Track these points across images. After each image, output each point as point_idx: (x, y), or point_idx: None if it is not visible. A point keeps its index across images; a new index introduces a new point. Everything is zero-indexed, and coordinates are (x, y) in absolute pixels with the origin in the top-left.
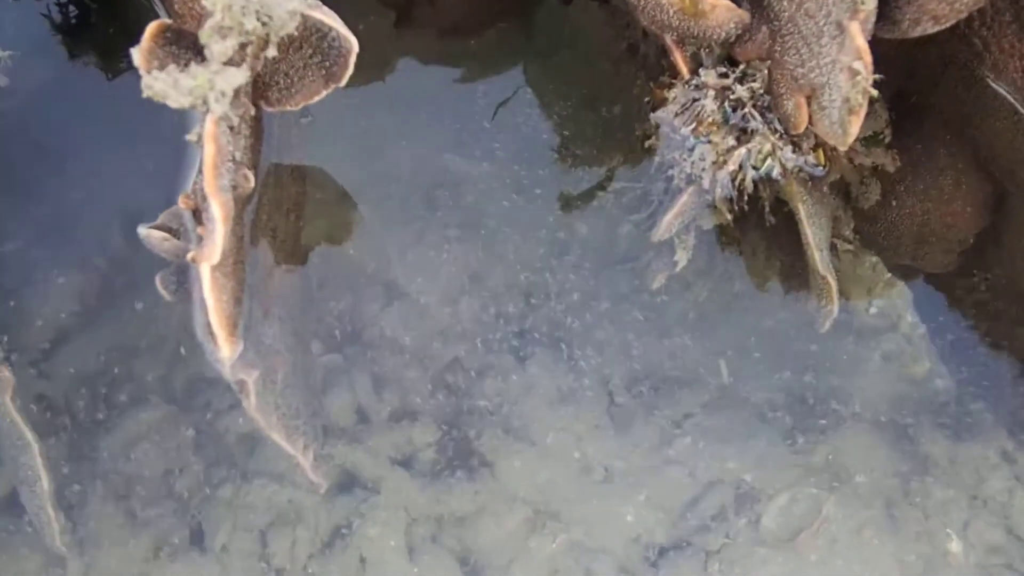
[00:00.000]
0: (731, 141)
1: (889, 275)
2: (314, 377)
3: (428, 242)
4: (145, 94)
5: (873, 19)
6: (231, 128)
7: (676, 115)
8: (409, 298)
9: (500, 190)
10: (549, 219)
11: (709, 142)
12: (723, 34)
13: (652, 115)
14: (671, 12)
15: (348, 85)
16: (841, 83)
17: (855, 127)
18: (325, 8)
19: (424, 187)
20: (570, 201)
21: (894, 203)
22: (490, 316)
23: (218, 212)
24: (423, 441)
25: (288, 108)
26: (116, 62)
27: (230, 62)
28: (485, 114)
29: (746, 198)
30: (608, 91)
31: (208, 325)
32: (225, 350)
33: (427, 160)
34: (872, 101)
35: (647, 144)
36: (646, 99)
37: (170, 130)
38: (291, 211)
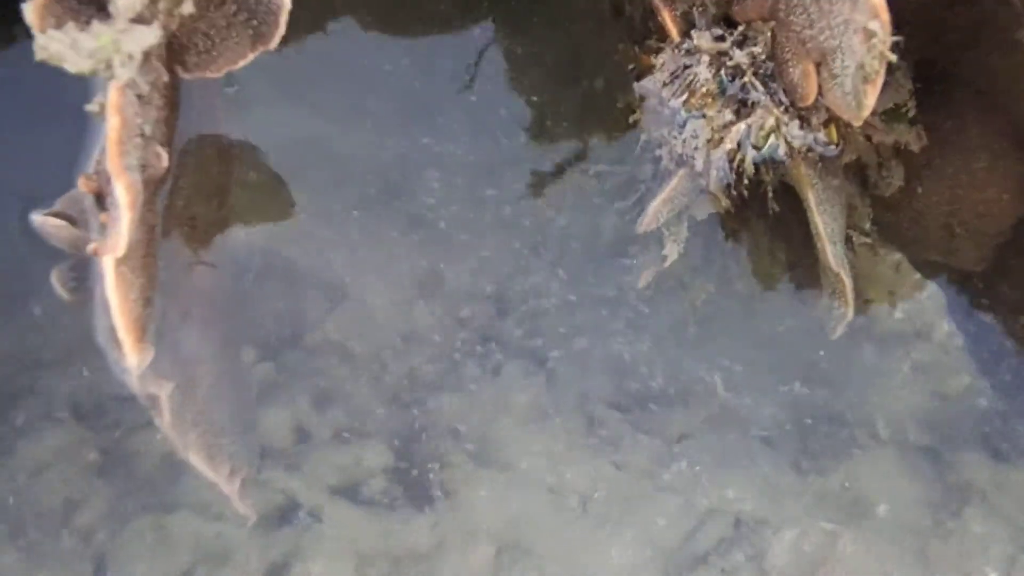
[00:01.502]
0: (728, 115)
1: (916, 274)
2: (246, 389)
3: (381, 235)
4: (39, 57)
5: None
6: (140, 97)
7: (664, 85)
8: (358, 300)
9: (465, 175)
10: (522, 209)
11: (703, 116)
12: None
13: (636, 85)
14: None
15: (290, 52)
16: (855, 46)
17: (871, 98)
18: None
19: (376, 171)
20: (546, 188)
21: (919, 189)
22: (453, 321)
23: (123, 196)
24: (374, 465)
25: (209, 74)
26: (12, 23)
27: (139, 19)
28: (448, 86)
29: (746, 182)
30: (589, 59)
31: (112, 329)
32: (132, 358)
33: (379, 140)
34: (891, 68)
35: (632, 119)
36: (630, 67)
37: (75, 101)
38: (214, 197)
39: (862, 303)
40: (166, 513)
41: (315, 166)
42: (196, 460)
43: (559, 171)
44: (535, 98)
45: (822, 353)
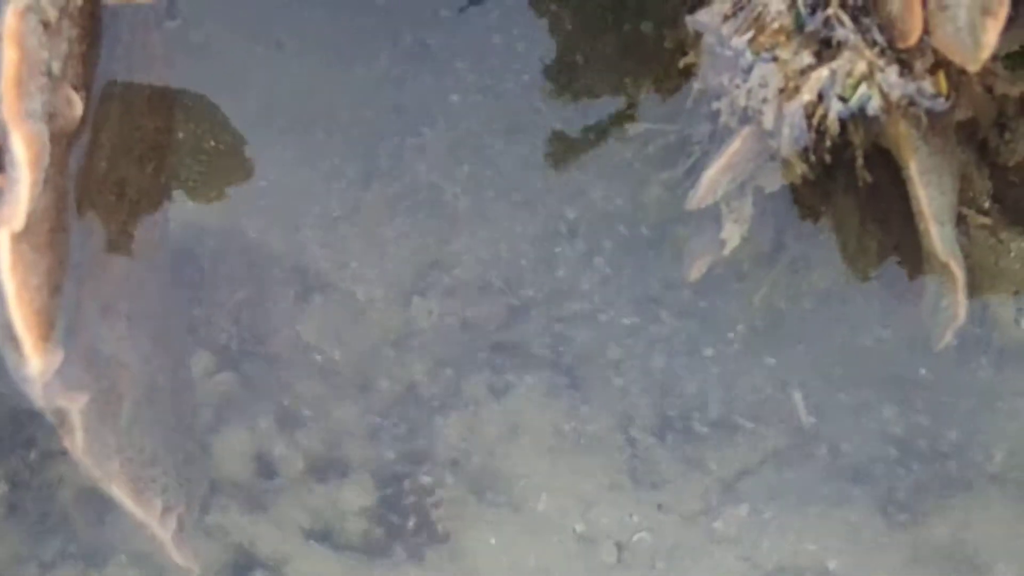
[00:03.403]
0: (807, 58)
1: None
2: (188, 405)
3: (367, 212)
4: None
5: None
6: (46, 25)
7: (726, 18)
8: (337, 292)
9: (475, 137)
10: (545, 181)
11: (774, 60)
12: None
13: (689, 19)
14: None
15: None
16: None
17: (992, 35)
18: None
19: (364, 131)
20: (576, 154)
21: None
22: (456, 323)
23: (23, 150)
24: (354, 505)
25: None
26: None
27: None
28: (456, 20)
29: (829, 145)
30: None
31: (8, 323)
32: (34, 361)
33: (369, 91)
34: None
35: (683, 63)
36: None
37: None
38: (148, 158)
39: (979, 306)
40: (91, 564)
41: (288, 121)
42: (120, 493)
43: (592, 133)
44: (565, 41)
45: (924, 369)
